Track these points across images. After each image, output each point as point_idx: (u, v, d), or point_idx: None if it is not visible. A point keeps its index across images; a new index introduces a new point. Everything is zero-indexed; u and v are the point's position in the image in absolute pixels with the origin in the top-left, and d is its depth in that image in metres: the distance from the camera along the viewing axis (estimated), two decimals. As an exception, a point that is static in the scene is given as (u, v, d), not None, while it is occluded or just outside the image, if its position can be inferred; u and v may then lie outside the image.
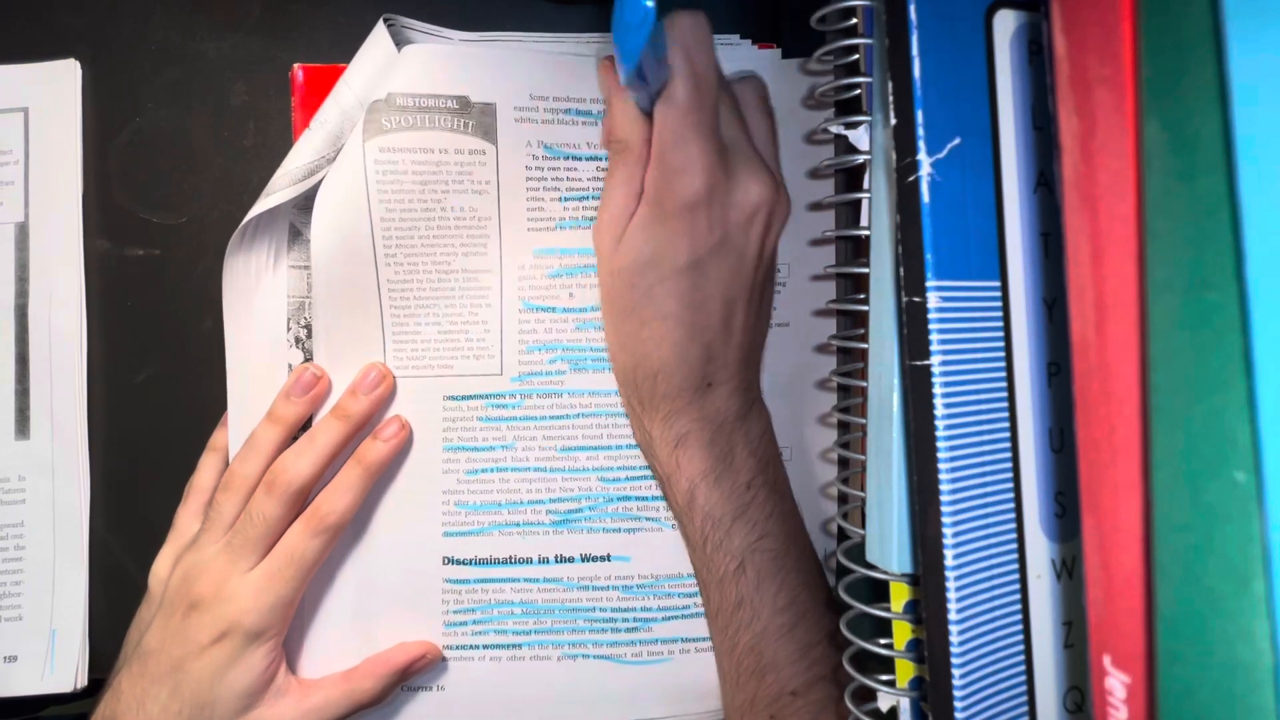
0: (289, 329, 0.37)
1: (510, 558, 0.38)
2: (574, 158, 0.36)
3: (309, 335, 0.37)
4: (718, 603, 0.34)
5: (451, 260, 0.36)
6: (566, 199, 0.37)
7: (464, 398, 0.37)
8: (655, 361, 0.31)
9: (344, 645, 0.37)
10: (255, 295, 0.37)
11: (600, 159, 0.37)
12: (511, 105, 0.36)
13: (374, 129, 0.35)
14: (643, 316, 0.31)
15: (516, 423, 0.37)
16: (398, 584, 0.37)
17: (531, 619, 0.38)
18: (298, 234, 0.37)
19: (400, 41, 0.36)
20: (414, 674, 0.37)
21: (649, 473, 0.38)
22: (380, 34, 0.35)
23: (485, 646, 0.38)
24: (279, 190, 0.34)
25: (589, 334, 0.37)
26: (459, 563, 0.38)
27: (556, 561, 0.38)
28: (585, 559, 0.38)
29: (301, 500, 0.35)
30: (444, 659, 0.38)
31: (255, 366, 0.37)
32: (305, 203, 0.36)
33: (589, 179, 0.36)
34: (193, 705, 0.32)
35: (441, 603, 0.38)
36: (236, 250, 0.36)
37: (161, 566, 0.36)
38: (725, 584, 0.33)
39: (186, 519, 0.36)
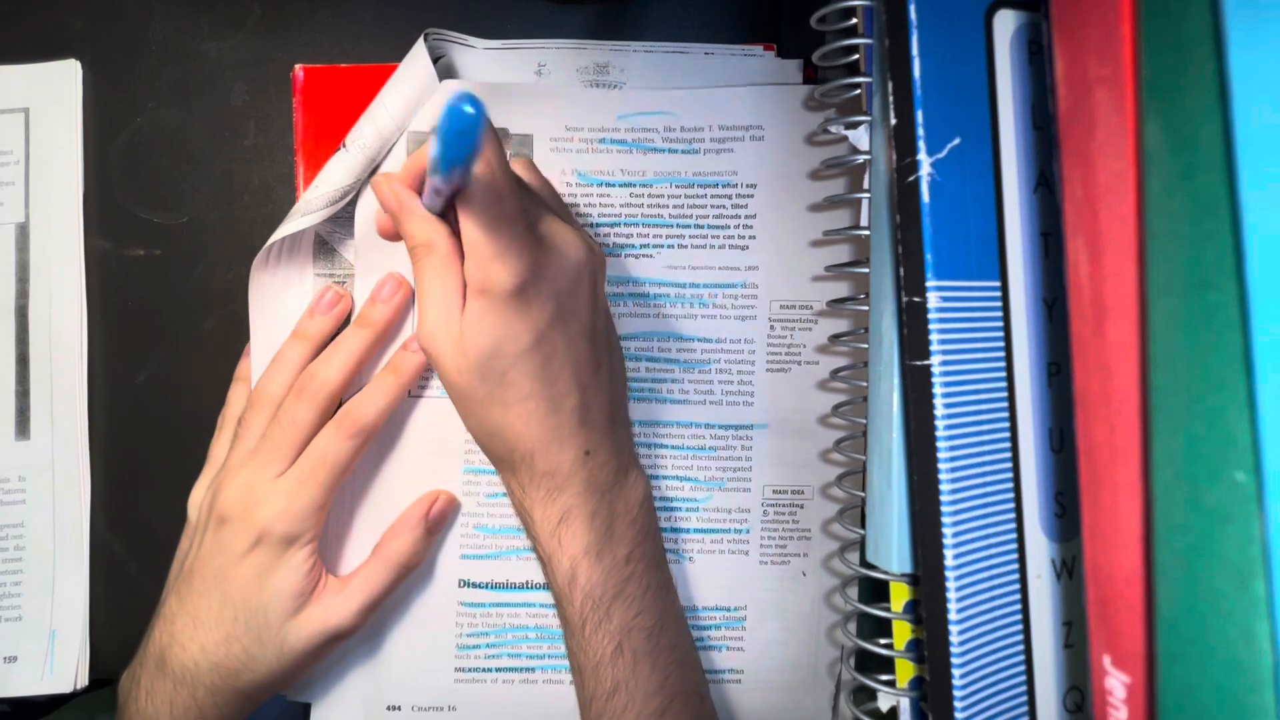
0: None
1: (527, 583, 0.38)
2: (607, 184, 0.37)
3: None
4: (591, 689, 0.33)
5: None
6: (599, 224, 0.37)
7: None
8: (528, 441, 0.31)
9: (355, 663, 0.37)
10: (284, 300, 0.37)
11: (633, 185, 0.37)
12: (548, 136, 0.37)
13: None
14: (504, 402, 0.31)
15: None
16: (412, 605, 0.37)
17: (546, 643, 0.38)
18: (323, 242, 0.37)
19: (431, 52, 0.35)
20: (436, 520, 0.36)
21: (667, 504, 0.38)
22: (419, 52, 0.35)
23: (498, 670, 0.38)
24: (314, 211, 0.34)
25: None
26: (475, 586, 0.38)
27: None
28: None
29: (331, 406, 0.34)
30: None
31: None
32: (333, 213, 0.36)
33: (621, 205, 0.37)
34: (245, 609, 0.32)
35: (455, 625, 0.38)
36: (264, 265, 0.36)
37: (197, 493, 0.36)
38: (601, 669, 0.32)
39: (219, 449, 0.36)
